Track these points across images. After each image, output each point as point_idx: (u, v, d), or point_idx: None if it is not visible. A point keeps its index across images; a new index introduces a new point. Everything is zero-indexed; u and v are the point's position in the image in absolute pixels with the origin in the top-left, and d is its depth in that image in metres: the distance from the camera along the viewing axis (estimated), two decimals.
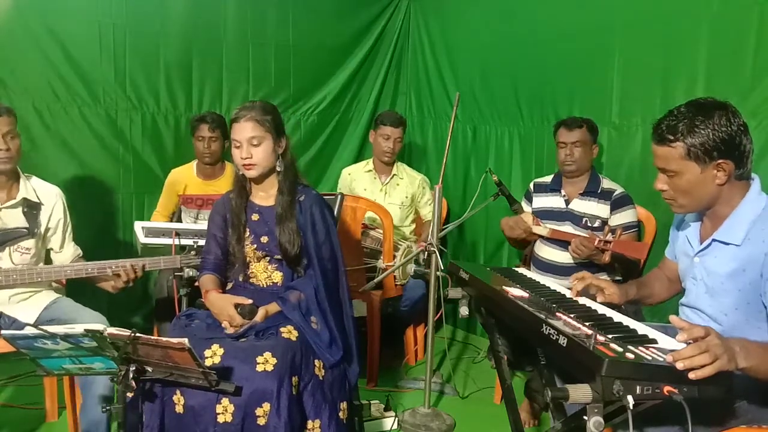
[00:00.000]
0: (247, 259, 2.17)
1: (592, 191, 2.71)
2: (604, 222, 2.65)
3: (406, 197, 3.56)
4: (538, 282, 2.05)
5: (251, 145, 2.08)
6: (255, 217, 2.19)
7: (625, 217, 2.65)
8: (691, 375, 1.25)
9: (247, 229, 2.18)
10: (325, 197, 2.29)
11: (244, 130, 2.08)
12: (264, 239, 2.15)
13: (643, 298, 2.01)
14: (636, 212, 2.67)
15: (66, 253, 2.47)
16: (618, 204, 2.66)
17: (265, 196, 2.20)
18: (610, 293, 1.86)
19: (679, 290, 1.98)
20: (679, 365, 1.25)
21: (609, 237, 2.41)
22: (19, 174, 2.34)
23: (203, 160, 3.27)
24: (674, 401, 1.25)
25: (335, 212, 2.70)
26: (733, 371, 1.32)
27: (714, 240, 1.65)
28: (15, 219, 2.30)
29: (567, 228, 2.70)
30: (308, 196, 2.18)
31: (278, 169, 2.16)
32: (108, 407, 1.76)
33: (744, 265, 1.58)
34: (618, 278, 2.65)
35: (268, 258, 2.17)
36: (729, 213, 1.63)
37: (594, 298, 1.87)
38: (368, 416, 2.63)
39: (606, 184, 2.72)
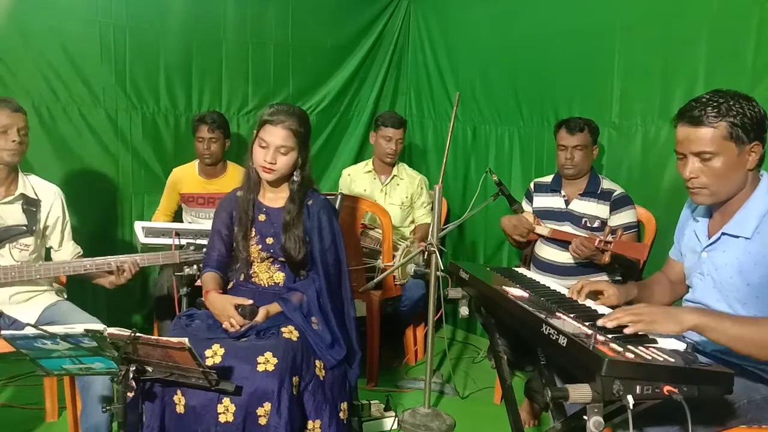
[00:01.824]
0: (251, 258, 2.17)
1: (591, 192, 2.71)
2: (604, 222, 2.65)
3: (406, 197, 3.55)
4: (538, 282, 2.05)
5: (278, 152, 2.07)
6: (262, 217, 2.18)
7: (624, 217, 2.65)
8: (627, 330, 1.41)
9: (253, 229, 2.17)
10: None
11: (277, 137, 2.06)
12: (269, 240, 2.15)
13: (644, 300, 2.01)
14: (636, 212, 2.67)
15: (65, 252, 2.47)
16: (618, 204, 2.66)
17: (274, 197, 2.20)
18: (609, 295, 1.84)
19: (682, 293, 1.98)
20: (601, 321, 1.40)
21: (609, 237, 2.41)
22: (18, 171, 2.35)
23: (204, 161, 3.27)
24: (674, 401, 1.25)
25: None
26: (734, 372, 1.31)
27: (723, 233, 1.66)
28: (13, 215, 2.31)
29: (567, 228, 2.70)
30: (316, 200, 2.18)
31: (295, 179, 2.15)
32: (108, 407, 1.76)
33: (754, 259, 1.59)
34: (618, 278, 2.65)
35: (271, 259, 2.17)
36: (739, 207, 1.64)
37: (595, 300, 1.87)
38: (368, 416, 2.63)
39: (606, 184, 2.72)
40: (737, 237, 1.62)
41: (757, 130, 1.57)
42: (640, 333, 1.46)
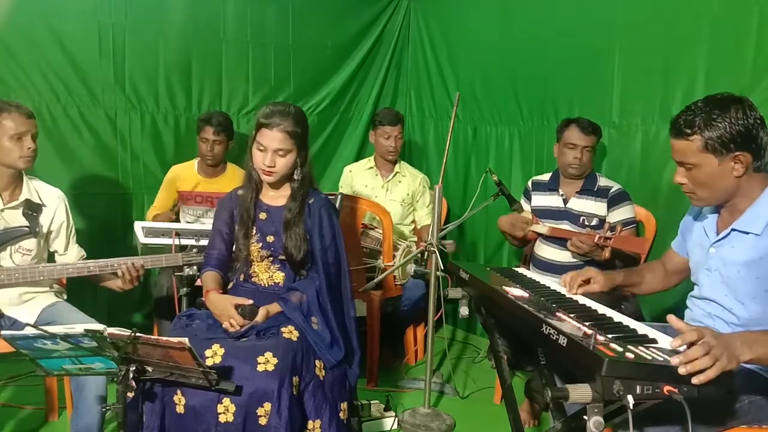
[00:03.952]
0: (251, 257, 2.17)
1: (588, 189, 2.71)
2: (602, 220, 2.65)
3: (408, 195, 3.56)
4: (538, 282, 2.05)
5: (277, 155, 2.07)
6: (263, 215, 2.19)
7: (623, 213, 2.64)
8: (694, 380, 1.25)
9: (254, 227, 2.18)
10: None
11: (274, 140, 2.06)
12: (270, 239, 2.15)
13: (631, 286, 2.04)
14: (633, 208, 2.67)
15: (70, 255, 2.47)
16: (615, 201, 2.66)
17: (275, 196, 2.20)
18: (595, 281, 1.91)
19: (674, 284, 2.02)
20: (682, 370, 1.25)
21: (608, 233, 2.41)
22: (23, 175, 2.35)
23: (206, 161, 3.27)
24: (674, 401, 1.25)
25: None
26: (734, 370, 1.31)
27: (733, 229, 1.67)
28: (17, 220, 2.31)
29: (565, 227, 2.70)
30: (317, 199, 2.18)
31: (295, 177, 2.15)
32: (108, 407, 1.76)
33: (762, 254, 1.60)
34: None
35: (271, 258, 2.17)
36: (749, 205, 1.65)
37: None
38: (368, 416, 2.63)
39: (602, 182, 2.72)
40: (747, 233, 1.64)
41: (740, 141, 1.57)
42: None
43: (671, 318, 1.38)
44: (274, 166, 2.08)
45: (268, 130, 2.06)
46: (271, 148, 2.06)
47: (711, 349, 1.27)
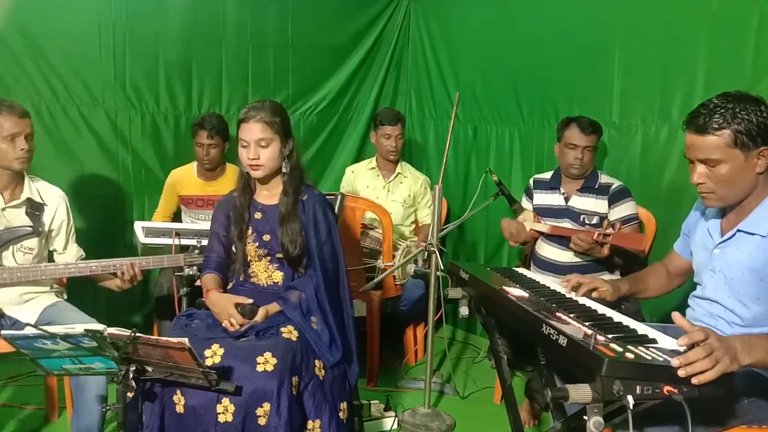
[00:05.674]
0: (248, 257, 2.18)
1: (589, 186, 2.71)
2: (602, 218, 2.64)
3: (409, 195, 3.56)
4: (538, 282, 2.05)
5: (259, 147, 2.08)
6: (258, 215, 2.19)
7: (624, 210, 2.63)
8: (694, 380, 1.26)
9: (250, 227, 2.18)
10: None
11: (253, 132, 2.07)
12: (266, 237, 2.16)
13: (637, 293, 2.04)
14: (635, 204, 2.65)
15: (69, 254, 2.48)
16: (616, 198, 2.65)
17: (269, 195, 2.21)
18: (603, 291, 1.90)
19: (678, 285, 2.02)
20: (681, 372, 1.25)
21: (609, 230, 2.40)
22: (24, 175, 2.35)
23: (203, 165, 3.27)
24: (674, 401, 1.25)
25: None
26: (735, 372, 1.31)
27: (739, 230, 1.66)
28: (19, 219, 2.31)
29: (566, 225, 2.70)
30: (311, 195, 2.19)
31: (284, 170, 2.16)
32: (108, 407, 1.77)
33: (765, 255, 1.59)
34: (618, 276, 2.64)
35: (269, 257, 2.17)
36: (756, 206, 1.64)
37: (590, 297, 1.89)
38: (368, 416, 2.63)
39: (603, 179, 2.72)
40: (753, 234, 1.63)
41: (764, 135, 1.56)
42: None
43: (676, 316, 1.38)
44: (259, 158, 2.09)
45: (246, 124, 2.09)
46: (253, 140, 2.07)
47: (712, 351, 1.27)
